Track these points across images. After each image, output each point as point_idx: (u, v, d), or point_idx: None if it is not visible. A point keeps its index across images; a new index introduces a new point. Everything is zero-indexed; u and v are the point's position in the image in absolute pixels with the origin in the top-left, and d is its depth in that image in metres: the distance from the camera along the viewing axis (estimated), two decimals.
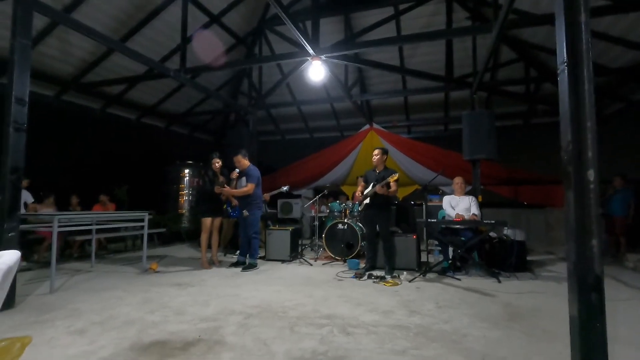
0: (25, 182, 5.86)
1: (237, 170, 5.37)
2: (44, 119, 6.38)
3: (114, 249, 7.26)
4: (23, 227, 3.83)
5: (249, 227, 5.16)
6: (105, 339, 2.47)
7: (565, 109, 1.85)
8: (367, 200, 4.71)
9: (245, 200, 5.22)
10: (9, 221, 3.31)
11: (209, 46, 7.40)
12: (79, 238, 5.81)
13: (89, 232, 5.46)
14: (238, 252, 5.54)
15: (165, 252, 6.83)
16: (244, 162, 5.32)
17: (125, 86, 7.94)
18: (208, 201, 5.32)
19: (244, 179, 5.27)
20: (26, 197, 5.83)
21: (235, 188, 5.34)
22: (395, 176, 4.44)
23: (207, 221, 5.21)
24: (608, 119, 8.10)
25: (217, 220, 5.37)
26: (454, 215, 4.95)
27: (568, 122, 1.83)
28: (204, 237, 5.23)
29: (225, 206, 6.18)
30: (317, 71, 5.65)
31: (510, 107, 9.09)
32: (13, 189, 3.38)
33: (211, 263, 5.34)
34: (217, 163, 5.33)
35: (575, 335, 1.75)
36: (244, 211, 5.19)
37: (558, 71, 1.90)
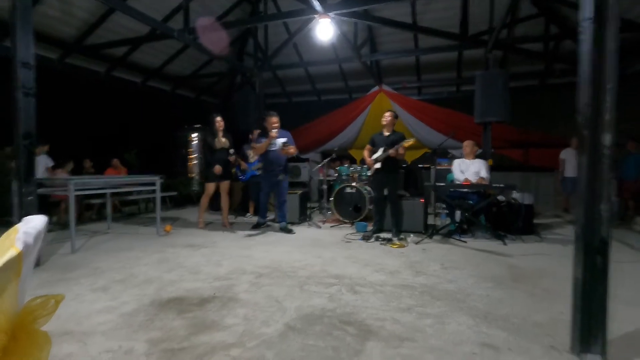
0: (45, 147, 5.96)
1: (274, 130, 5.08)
2: (49, 82, 6.32)
3: (128, 211, 7.49)
4: (40, 191, 3.94)
5: (284, 191, 5.13)
6: (127, 296, 2.63)
7: (584, 69, 1.78)
8: (378, 165, 4.71)
9: (283, 163, 5.12)
10: (26, 185, 3.40)
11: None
12: (95, 201, 5.97)
13: (103, 195, 5.60)
14: (248, 214, 5.64)
15: (177, 214, 7.03)
16: (277, 126, 5.10)
17: (128, 48, 7.76)
18: (215, 164, 5.25)
19: (279, 140, 5.06)
20: (46, 161, 5.95)
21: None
22: (411, 141, 4.40)
23: (210, 186, 5.30)
24: (630, 78, 7.72)
25: (226, 184, 5.43)
26: (462, 180, 4.94)
27: (587, 83, 1.76)
28: (204, 200, 5.38)
29: (234, 170, 6.21)
30: (325, 30, 5.43)
31: (526, 67, 8.69)
32: (27, 154, 3.44)
33: (222, 225, 5.49)
34: (219, 122, 5.27)
35: (578, 296, 1.81)
36: (281, 175, 5.09)
37: (580, 28, 1.80)
